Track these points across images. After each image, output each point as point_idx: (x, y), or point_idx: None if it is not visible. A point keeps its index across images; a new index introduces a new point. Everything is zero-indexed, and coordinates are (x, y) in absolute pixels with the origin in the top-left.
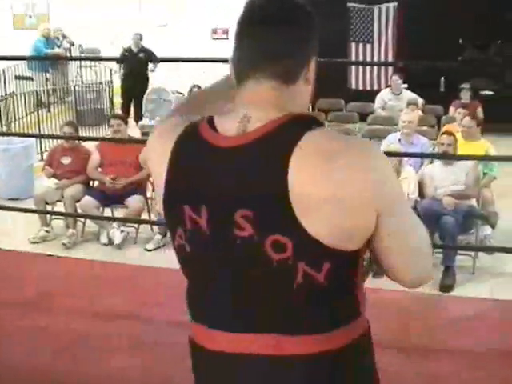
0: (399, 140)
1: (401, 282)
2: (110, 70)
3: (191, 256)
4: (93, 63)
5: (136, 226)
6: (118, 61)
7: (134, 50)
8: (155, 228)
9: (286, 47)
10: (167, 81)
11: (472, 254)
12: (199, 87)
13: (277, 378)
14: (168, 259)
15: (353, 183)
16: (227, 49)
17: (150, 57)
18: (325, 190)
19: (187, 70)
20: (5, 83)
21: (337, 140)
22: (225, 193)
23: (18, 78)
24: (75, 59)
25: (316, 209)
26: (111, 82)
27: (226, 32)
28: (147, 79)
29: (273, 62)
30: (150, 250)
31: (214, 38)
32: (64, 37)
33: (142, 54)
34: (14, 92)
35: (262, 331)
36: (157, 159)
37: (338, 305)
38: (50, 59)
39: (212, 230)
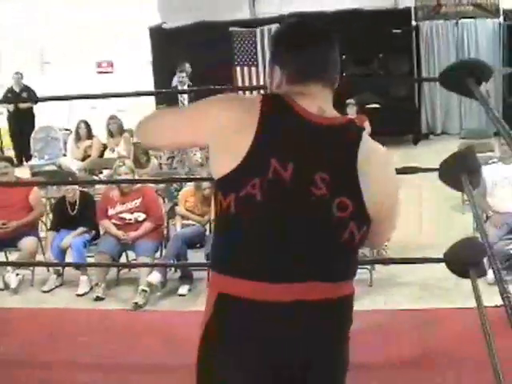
0: None
1: (381, 245)
2: None
3: (260, 204)
4: None
5: (31, 268)
6: (1, 102)
7: (16, 89)
8: (51, 268)
9: (330, 60)
10: (54, 118)
11: (368, 266)
12: (86, 123)
13: (328, 316)
14: (64, 298)
15: (389, 176)
16: (112, 82)
17: (33, 95)
18: (375, 174)
19: (74, 106)
20: None
21: (377, 144)
22: (311, 156)
23: None
24: None
25: (369, 185)
26: None
27: (110, 65)
28: (33, 118)
29: (324, 71)
30: (47, 292)
31: (98, 72)
32: None
33: (24, 94)
34: None
35: (315, 279)
36: (237, 117)
37: (355, 260)
38: None
39: (293, 183)
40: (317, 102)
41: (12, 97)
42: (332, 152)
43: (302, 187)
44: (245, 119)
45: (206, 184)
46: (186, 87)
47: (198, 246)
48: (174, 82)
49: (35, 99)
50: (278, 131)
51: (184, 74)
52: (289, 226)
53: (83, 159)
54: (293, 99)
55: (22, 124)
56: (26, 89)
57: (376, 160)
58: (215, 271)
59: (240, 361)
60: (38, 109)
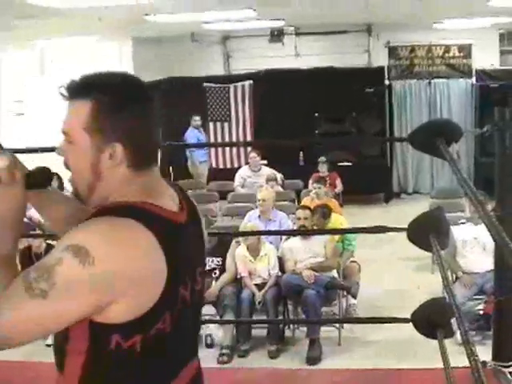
0: (259, 216)
1: None
2: None
3: (171, 333)
4: None
5: None
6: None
7: None
8: None
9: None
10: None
11: (337, 325)
12: (59, 176)
13: None
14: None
15: None
16: None
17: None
18: None
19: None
20: None
21: None
22: (194, 259)
23: None
24: None
25: None
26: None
27: None
28: None
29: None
30: None
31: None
32: None
33: None
34: None
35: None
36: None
37: None
38: None
39: (191, 295)
40: (168, 192)
41: None
42: (200, 240)
43: (193, 293)
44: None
45: None
46: None
47: None
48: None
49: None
50: (174, 251)
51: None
52: (190, 327)
53: None
54: (158, 206)
55: None
56: None
57: (201, 216)
58: None
59: None
60: None
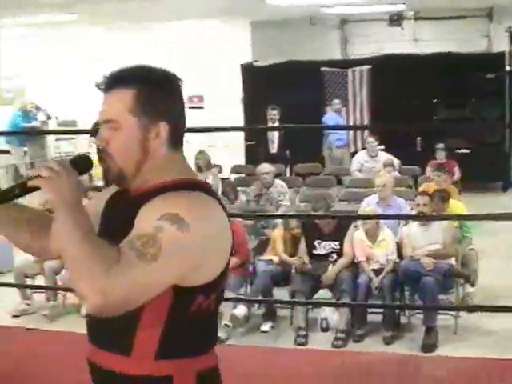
0: (377, 202)
1: None
2: (88, 142)
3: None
4: (70, 135)
5: None
6: (91, 134)
7: None
8: None
9: None
10: None
11: (453, 313)
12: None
13: None
14: None
15: None
16: (202, 117)
17: None
18: None
19: None
20: None
21: None
22: None
23: None
24: (51, 133)
25: None
26: (88, 153)
27: (201, 100)
28: None
29: None
30: None
31: (189, 107)
32: (38, 109)
33: None
34: None
35: None
36: (222, 234)
37: None
38: (27, 133)
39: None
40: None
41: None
42: None
43: None
44: (227, 227)
45: (294, 224)
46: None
47: (282, 284)
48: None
49: None
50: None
51: (275, 112)
52: None
53: None
54: (205, 182)
55: None
56: None
57: None
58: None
59: None
60: None
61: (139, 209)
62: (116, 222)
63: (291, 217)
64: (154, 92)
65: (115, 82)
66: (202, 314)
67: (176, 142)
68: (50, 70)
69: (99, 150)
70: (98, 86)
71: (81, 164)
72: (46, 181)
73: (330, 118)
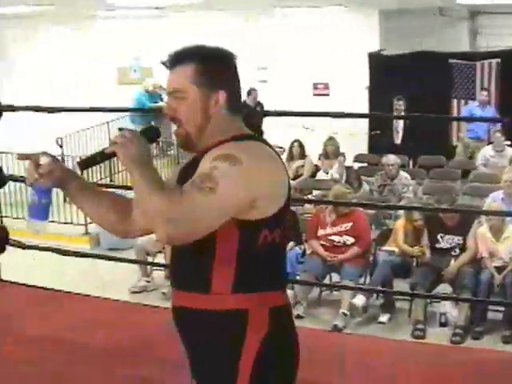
0: (502, 199)
1: None
2: None
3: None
4: None
5: None
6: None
7: (252, 104)
8: None
9: None
10: (266, 136)
11: None
12: (300, 143)
13: None
14: None
15: None
16: (327, 105)
17: (263, 111)
18: None
19: (286, 126)
20: (109, 136)
21: None
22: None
23: (121, 130)
24: None
25: None
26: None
27: (326, 87)
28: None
29: None
30: None
31: (314, 94)
32: (164, 89)
33: (258, 108)
34: None
35: None
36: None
37: None
38: (153, 112)
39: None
40: None
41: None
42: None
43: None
44: (282, 169)
45: (417, 215)
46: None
47: (403, 275)
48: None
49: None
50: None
51: (401, 103)
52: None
53: (294, 178)
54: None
55: None
56: (259, 104)
57: None
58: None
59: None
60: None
61: (199, 163)
62: (185, 179)
63: (414, 209)
64: (211, 64)
65: (178, 59)
66: (269, 248)
67: (233, 107)
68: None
69: (172, 119)
70: (163, 63)
71: (148, 133)
72: (120, 146)
73: (471, 109)
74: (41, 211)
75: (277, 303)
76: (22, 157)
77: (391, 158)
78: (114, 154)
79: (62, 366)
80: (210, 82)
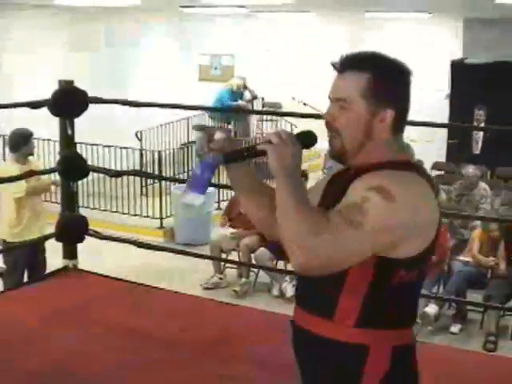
0: None
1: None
2: (291, 125)
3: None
4: (274, 117)
5: None
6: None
7: None
8: None
9: None
10: None
11: None
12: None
13: None
14: None
15: None
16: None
17: None
18: None
19: None
20: (188, 132)
21: None
22: None
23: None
24: (259, 113)
25: None
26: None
27: None
28: None
29: None
30: None
31: None
32: (245, 88)
33: None
34: (195, 141)
35: None
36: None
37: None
38: (233, 111)
39: None
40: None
41: None
42: None
43: None
44: (434, 207)
45: (493, 226)
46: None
47: (477, 287)
48: None
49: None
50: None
51: (481, 112)
52: None
53: None
54: (418, 164)
55: None
56: None
57: None
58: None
59: None
60: None
61: (351, 183)
62: (331, 196)
63: (489, 220)
64: (386, 79)
65: (351, 64)
66: (403, 287)
67: (398, 128)
68: (258, 51)
69: (328, 125)
70: (333, 65)
71: (306, 138)
72: (274, 147)
73: None
74: (200, 185)
75: (401, 342)
76: (199, 128)
77: (471, 169)
78: (263, 153)
79: (140, 359)
80: (380, 97)
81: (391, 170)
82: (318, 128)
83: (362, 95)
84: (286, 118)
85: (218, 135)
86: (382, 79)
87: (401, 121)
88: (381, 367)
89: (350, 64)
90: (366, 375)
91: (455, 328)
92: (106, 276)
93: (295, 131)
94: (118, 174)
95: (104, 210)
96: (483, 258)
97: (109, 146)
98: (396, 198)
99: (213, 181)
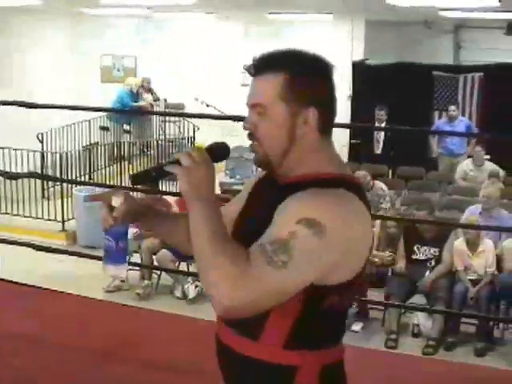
0: (480, 213)
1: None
2: (193, 126)
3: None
4: (176, 118)
5: None
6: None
7: None
8: None
9: None
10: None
11: None
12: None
13: None
14: None
15: None
16: None
17: None
18: None
19: None
20: (90, 133)
21: None
22: None
23: (102, 128)
24: (162, 114)
25: None
26: (194, 138)
27: None
28: None
29: None
30: None
31: None
32: (149, 90)
33: None
34: (97, 142)
35: None
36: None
37: None
38: (135, 112)
39: None
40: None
41: None
42: None
43: None
44: (368, 228)
45: (391, 223)
46: (383, 125)
47: (378, 285)
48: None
49: None
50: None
51: (383, 112)
52: None
53: None
54: (353, 177)
55: None
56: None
57: None
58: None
59: None
60: None
61: (278, 203)
62: (255, 210)
63: (390, 219)
64: (304, 77)
65: (265, 65)
66: (334, 311)
67: (325, 129)
68: (161, 53)
69: (249, 135)
70: (247, 69)
71: (217, 151)
72: (184, 170)
73: (438, 125)
74: (119, 256)
75: (331, 359)
76: (93, 198)
77: (361, 174)
78: (172, 174)
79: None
80: (300, 96)
81: (320, 188)
82: (222, 129)
83: (279, 97)
84: (188, 119)
85: (116, 201)
86: (300, 77)
87: (327, 121)
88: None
89: (263, 65)
90: None
91: (357, 326)
92: (8, 281)
93: (198, 134)
94: (15, 177)
95: (5, 214)
96: (378, 253)
97: (4, 148)
98: (327, 233)
99: (114, 182)
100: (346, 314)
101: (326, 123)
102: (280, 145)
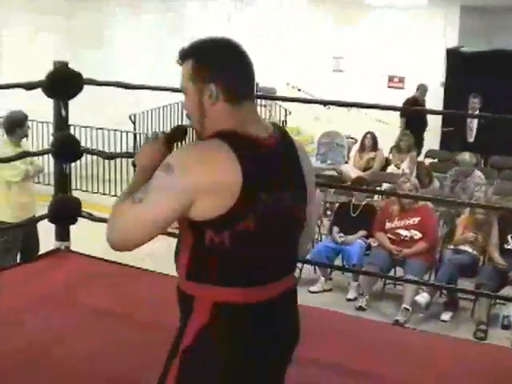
0: None
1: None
2: (285, 111)
3: (256, 232)
4: (268, 102)
5: (300, 265)
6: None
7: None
8: (318, 270)
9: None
10: (339, 126)
11: None
12: (373, 135)
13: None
14: (330, 302)
15: (311, 166)
16: (402, 98)
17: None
18: (308, 166)
19: (359, 117)
20: (182, 115)
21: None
22: (281, 176)
23: None
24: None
25: (308, 178)
26: (285, 122)
27: (402, 81)
28: None
29: (253, 84)
30: (314, 292)
31: (389, 87)
32: None
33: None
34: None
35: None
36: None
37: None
38: None
39: (276, 205)
40: (261, 124)
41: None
42: (291, 166)
43: (282, 207)
44: (229, 169)
45: (480, 210)
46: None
47: (469, 275)
48: None
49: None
50: (253, 168)
51: (476, 100)
52: (277, 245)
53: (364, 170)
54: (246, 131)
55: None
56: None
57: (304, 154)
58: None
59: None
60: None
61: None
62: None
63: (481, 206)
64: (206, 58)
65: (182, 56)
66: (216, 247)
67: (232, 99)
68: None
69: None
70: (176, 60)
71: (172, 134)
72: (144, 145)
73: None
74: None
75: (225, 299)
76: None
77: (467, 156)
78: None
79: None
80: (202, 76)
81: (197, 142)
82: (313, 114)
83: (190, 79)
84: (280, 103)
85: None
86: (202, 59)
87: (232, 92)
88: (201, 319)
89: (183, 56)
90: (189, 324)
91: (446, 316)
92: (100, 258)
93: (289, 118)
94: (111, 156)
95: (95, 193)
96: (462, 236)
97: (101, 129)
98: (174, 171)
99: None
100: (237, 259)
101: (233, 94)
102: (197, 118)
